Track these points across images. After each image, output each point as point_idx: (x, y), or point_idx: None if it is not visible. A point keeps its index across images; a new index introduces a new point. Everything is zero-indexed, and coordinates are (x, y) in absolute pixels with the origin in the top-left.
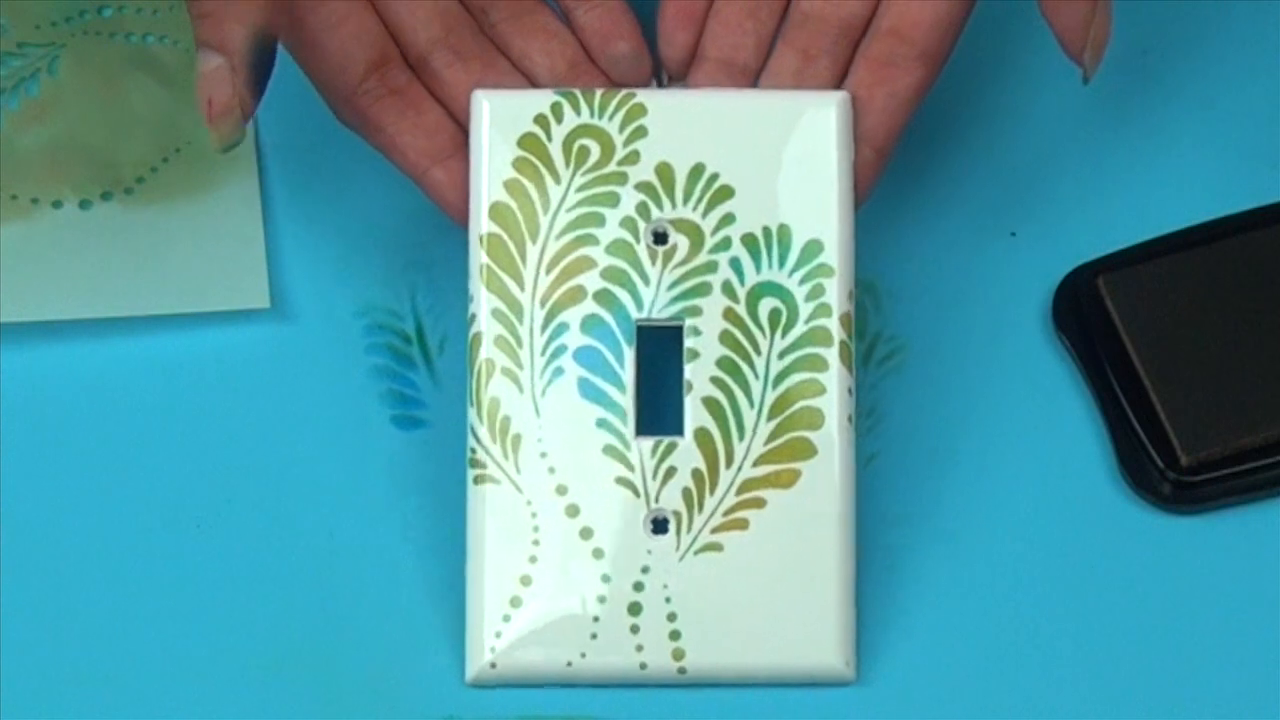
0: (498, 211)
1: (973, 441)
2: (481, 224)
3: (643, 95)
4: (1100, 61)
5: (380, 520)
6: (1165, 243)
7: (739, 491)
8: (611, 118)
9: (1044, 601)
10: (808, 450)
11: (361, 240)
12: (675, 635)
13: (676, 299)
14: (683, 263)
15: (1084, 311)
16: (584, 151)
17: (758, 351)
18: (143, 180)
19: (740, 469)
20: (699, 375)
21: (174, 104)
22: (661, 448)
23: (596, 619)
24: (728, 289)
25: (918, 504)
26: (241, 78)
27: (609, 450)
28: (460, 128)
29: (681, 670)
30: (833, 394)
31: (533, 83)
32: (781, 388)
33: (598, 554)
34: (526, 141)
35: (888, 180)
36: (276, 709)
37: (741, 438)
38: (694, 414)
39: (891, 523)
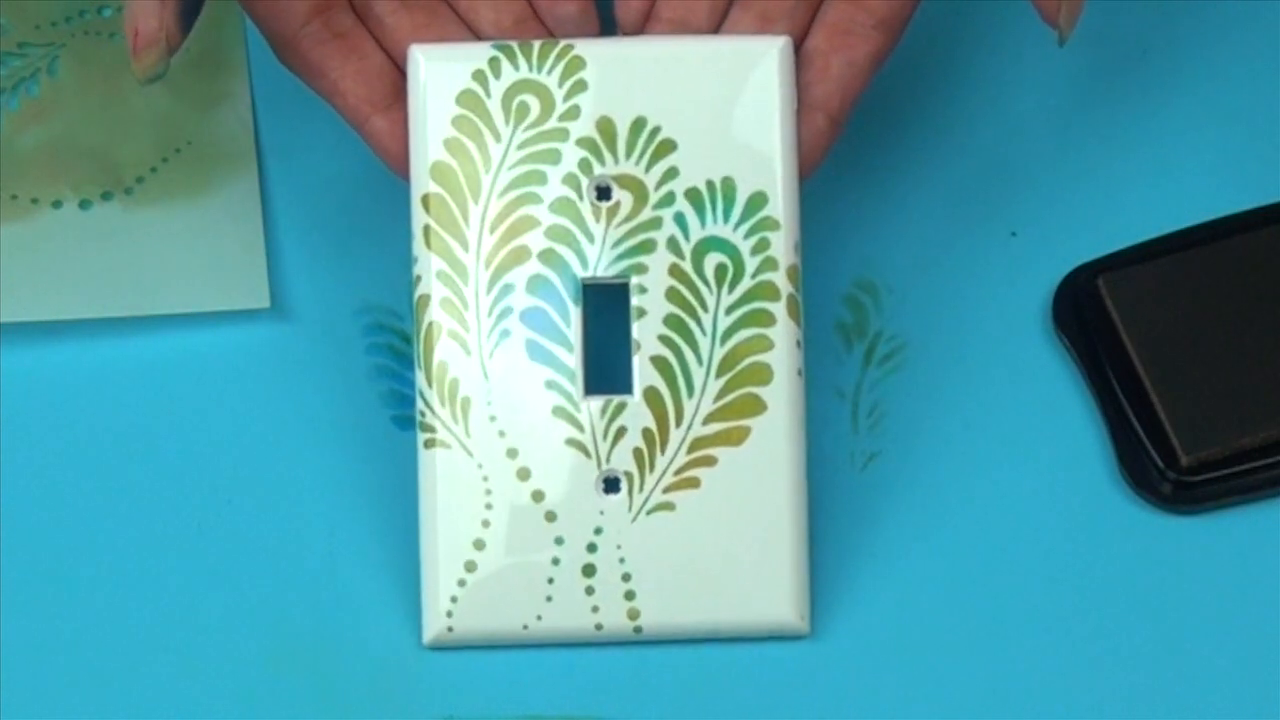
0: (438, 171)
1: (973, 441)
2: (423, 184)
3: (581, 47)
4: (1075, 23)
5: (381, 520)
6: (1165, 243)
7: (689, 450)
8: (550, 71)
9: (1042, 600)
10: (757, 406)
11: (361, 240)
12: (630, 595)
13: (622, 256)
14: (627, 219)
15: (1084, 311)
16: (524, 108)
17: (705, 308)
18: (143, 180)
19: (690, 427)
20: (647, 334)
21: (174, 104)
22: (611, 408)
23: (551, 581)
24: (673, 245)
25: (918, 503)
26: (169, 10)
27: (558, 412)
28: (403, 76)
29: (637, 629)
30: (781, 349)
31: (477, 36)
32: (729, 344)
33: (550, 516)
34: (465, 99)
35: (887, 179)
36: (278, 709)
37: (690, 396)
38: (643, 373)
39: (891, 522)
